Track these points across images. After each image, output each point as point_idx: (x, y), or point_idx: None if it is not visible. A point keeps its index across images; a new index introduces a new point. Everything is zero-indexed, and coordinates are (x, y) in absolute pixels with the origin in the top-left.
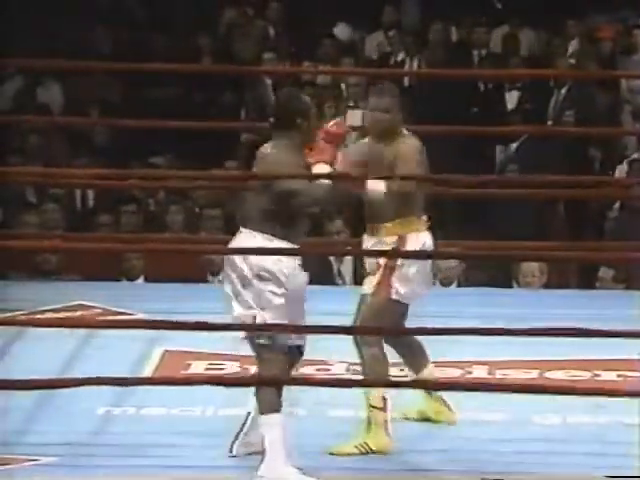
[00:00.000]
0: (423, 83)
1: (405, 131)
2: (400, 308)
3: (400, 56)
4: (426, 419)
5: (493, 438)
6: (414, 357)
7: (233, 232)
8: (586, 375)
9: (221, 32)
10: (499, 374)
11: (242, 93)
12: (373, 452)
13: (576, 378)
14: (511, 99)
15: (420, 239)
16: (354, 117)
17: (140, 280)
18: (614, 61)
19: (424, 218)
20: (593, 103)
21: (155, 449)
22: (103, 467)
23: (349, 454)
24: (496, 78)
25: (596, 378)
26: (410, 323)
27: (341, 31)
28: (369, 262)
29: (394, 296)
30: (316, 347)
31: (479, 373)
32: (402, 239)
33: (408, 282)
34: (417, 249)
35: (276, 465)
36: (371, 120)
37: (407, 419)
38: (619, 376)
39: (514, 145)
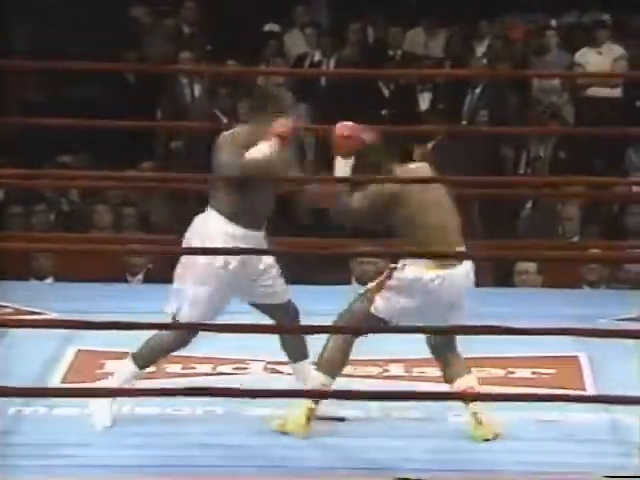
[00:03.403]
0: (335, 83)
1: None
2: (376, 322)
3: (317, 56)
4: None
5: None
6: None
7: (148, 230)
8: (500, 373)
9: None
10: (416, 372)
11: (157, 93)
12: (286, 433)
13: (491, 376)
14: (424, 100)
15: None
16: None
17: (49, 280)
18: (526, 61)
19: None
20: (505, 103)
21: (67, 449)
22: (13, 467)
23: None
24: (412, 78)
25: (510, 376)
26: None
27: (270, 29)
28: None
29: (372, 310)
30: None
31: (396, 371)
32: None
33: (391, 302)
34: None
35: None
36: None
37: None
38: (533, 373)
39: (429, 145)
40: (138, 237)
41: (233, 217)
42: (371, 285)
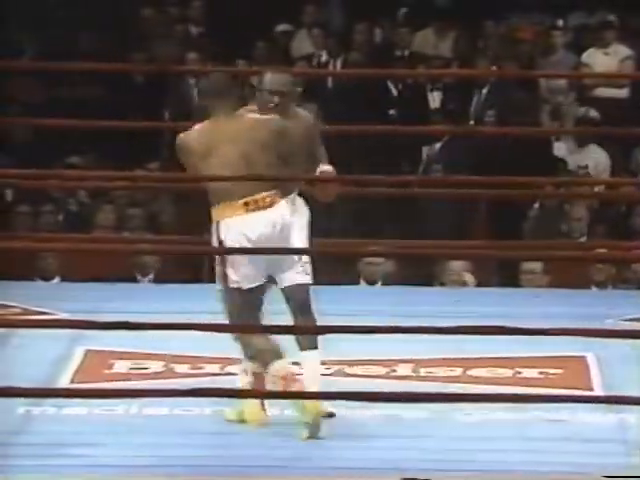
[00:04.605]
0: (344, 85)
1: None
2: (243, 295)
3: (324, 57)
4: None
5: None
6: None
7: (155, 231)
8: (508, 373)
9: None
10: (423, 372)
11: (165, 93)
12: (244, 421)
13: (498, 376)
14: (434, 99)
15: (232, 225)
16: None
17: (56, 280)
18: (533, 62)
19: (242, 202)
20: (513, 103)
21: (76, 449)
22: (22, 467)
23: (230, 420)
24: (420, 78)
25: (518, 375)
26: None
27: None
28: None
29: (231, 284)
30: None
31: (404, 371)
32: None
33: (239, 267)
34: (225, 238)
35: None
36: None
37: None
38: (541, 373)
39: (437, 145)
40: (147, 237)
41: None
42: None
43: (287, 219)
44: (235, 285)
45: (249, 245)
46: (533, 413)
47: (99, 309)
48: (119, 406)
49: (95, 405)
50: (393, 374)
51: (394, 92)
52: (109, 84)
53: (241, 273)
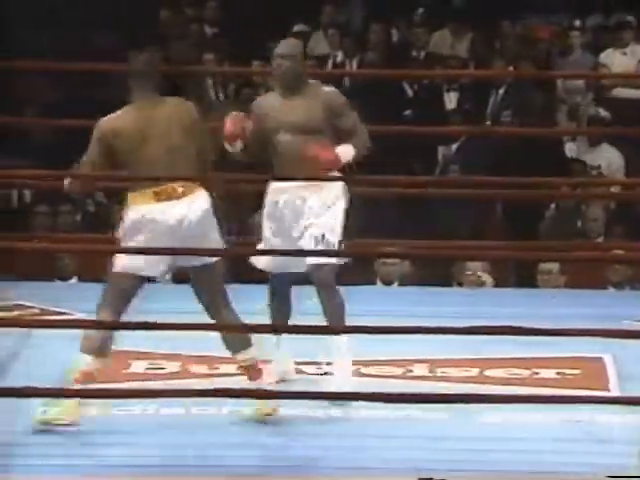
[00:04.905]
0: (360, 85)
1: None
2: (128, 279)
3: (339, 57)
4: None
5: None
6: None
7: None
8: (526, 373)
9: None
10: (439, 372)
11: (182, 93)
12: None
13: (515, 376)
14: (451, 100)
15: (141, 213)
16: None
17: (74, 280)
18: (550, 61)
19: (152, 190)
20: (529, 104)
21: (94, 449)
22: (42, 467)
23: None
24: (436, 78)
25: (535, 376)
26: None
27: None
28: None
29: (116, 268)
30: None
31: (420, 371)
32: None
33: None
34: (131, 225)
35: None
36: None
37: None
38: (558, 374)
39: (454, 146)
40: None
41: None
42: None
43: (203, 211)
44: (123, 270)
45: (154, 234)
46: (550, 414)
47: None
48: (136, 406)
49: (113, 405)
50: (409, 374)
51: (409, 93)
52: (126, 85)
53: (137, 260)
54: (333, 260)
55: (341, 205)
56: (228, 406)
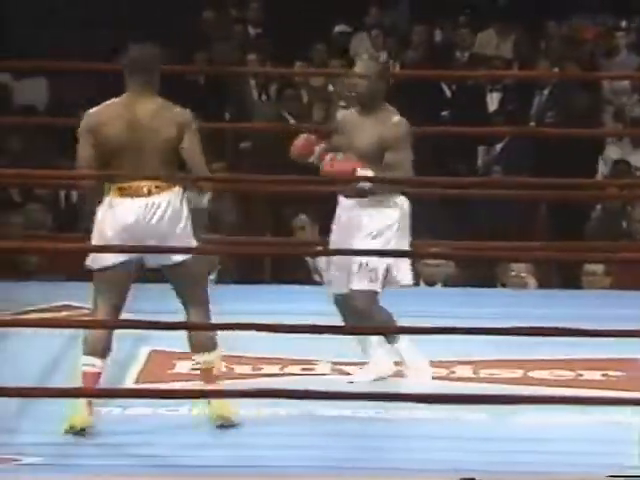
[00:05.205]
0: (402, 86)
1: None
2: (105, 276)
3: (382, 58)
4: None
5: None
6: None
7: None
8: (570, 375)
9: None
10: (483, 373)
11: (226, 95)
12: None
13: (560, 378)
14: (493, 101)
15: (109, 208)
16: None
17: None
18: (595, 62)
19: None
20: (574, 105)
21: (139, 448)
22: (88, 467)
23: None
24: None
25: (579, 378)
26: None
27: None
28: None
29: (88, 263)
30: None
31: (463, 373)
32: None
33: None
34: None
35: None
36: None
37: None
38: (603, 375)
39: (499, 146)
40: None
41: None
42: None
43: (164, 211)
44: (91, 266)
45: (115, 229)
46: (594, 416)
47: (161, 309)
48: (183, 406)
49: (159, 405)
50: (452, 375)
51: (447, 93)
52: (168, 85)
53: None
54: (376, 287)
55: (394, 229)
56: (269, 407)
